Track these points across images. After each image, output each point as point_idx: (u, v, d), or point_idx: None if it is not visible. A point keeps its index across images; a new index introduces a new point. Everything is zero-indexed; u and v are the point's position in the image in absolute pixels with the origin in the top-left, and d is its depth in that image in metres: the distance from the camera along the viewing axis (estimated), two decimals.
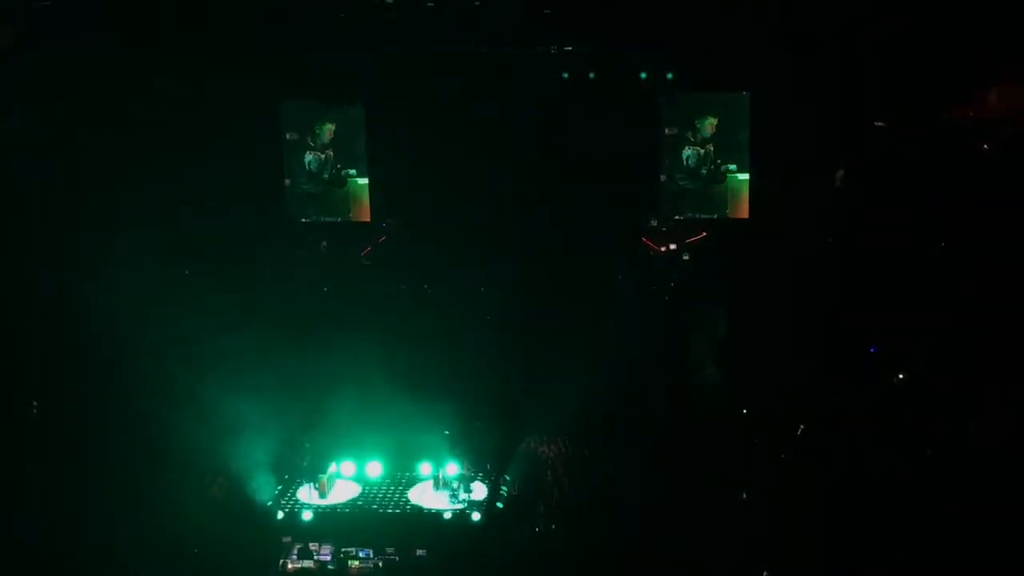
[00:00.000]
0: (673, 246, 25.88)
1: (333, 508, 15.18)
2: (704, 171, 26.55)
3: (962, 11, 19.49)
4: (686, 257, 25.37)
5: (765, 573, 13.43)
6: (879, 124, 22.78)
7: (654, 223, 26.85)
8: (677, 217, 26.98)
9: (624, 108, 25.75)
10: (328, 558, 14.50)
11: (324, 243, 26.84)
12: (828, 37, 22.02)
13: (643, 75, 24.35)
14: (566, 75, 24.53)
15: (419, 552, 14.29)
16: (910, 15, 20.41)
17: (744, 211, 26.62)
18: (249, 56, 23.83)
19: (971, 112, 20.35)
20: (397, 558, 14.37)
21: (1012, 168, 18.62)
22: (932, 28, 20.23)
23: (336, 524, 14.81)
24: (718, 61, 24.26)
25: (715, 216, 26.72)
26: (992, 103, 19.96)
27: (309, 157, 27.82)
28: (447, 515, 14.66)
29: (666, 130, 26.57)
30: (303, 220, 28.14)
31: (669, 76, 23.96)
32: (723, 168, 26.13)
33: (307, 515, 14.77)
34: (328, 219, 28.12)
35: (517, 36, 24.14)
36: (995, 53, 19.58)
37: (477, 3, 23.75)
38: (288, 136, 27.85)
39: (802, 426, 15.62)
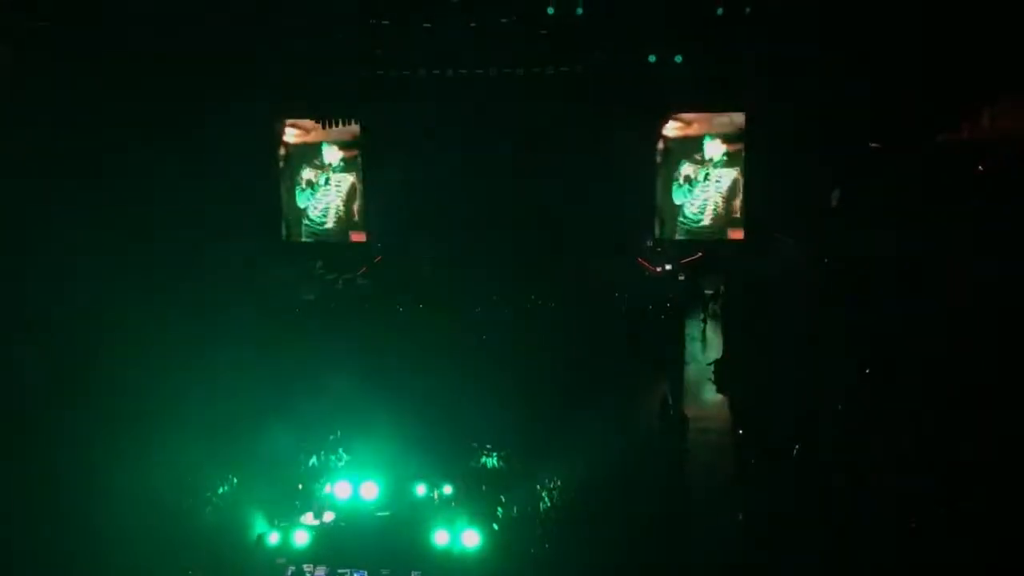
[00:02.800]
0: (669, 266, 26.00)
1: (327, 529, 15.08)
2: (699, 189, 26.75)
3: (958, 33, 19.64)
4: (682, 277, 25.48)
5: None
6: (874, 145, 22.90)
7: (650, 243, 26.98)
8: (676, 238, 27.20)
9: (620, 129, 25.93)
10: None
11: (319, 263, 26.89)
12: (824, 58, 22.17)
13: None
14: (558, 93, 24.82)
15: (414, 573, 14.20)
16: (906, 38, 20.58)
17: (739, 232, 26.77)
18: (248, 76, 23.99)
19: (967, 134, 20.45)
20: None
21: (1007, 189, 18.70)
22: (928, 50, 20.38)
23: (330, 545, 14.71)
24: (716, 82, 24.46)
25: (711, 237, 26.90)
26: (987, 125, 20.07)
27: (300, 174, 28.00)
28: (442, 536, 14.57)
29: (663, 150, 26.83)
30: (302, 239, 28.29)
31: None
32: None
33: (301, 536, 14.67)
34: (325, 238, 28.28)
35: (514, 57, 24.29)
36: (990, 75, 19.71)
37: (473, 24, 23.88)
38: (284, 154, 28.00)
39: (798, 445, 15.59)
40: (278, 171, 27.79)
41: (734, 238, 26.75)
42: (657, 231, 27.13)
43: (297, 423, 17.06)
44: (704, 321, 23.84)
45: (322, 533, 14.85)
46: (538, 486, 15.91)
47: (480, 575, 14.11)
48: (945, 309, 17.70)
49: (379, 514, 15.09)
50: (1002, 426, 14.35)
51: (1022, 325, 16.29)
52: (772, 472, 15.28)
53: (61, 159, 21.82)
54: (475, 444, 17.02)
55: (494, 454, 16.91)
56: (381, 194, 27.65)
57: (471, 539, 14.30)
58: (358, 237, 28.25)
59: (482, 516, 14.94)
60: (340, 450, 16.86)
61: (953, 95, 20.42)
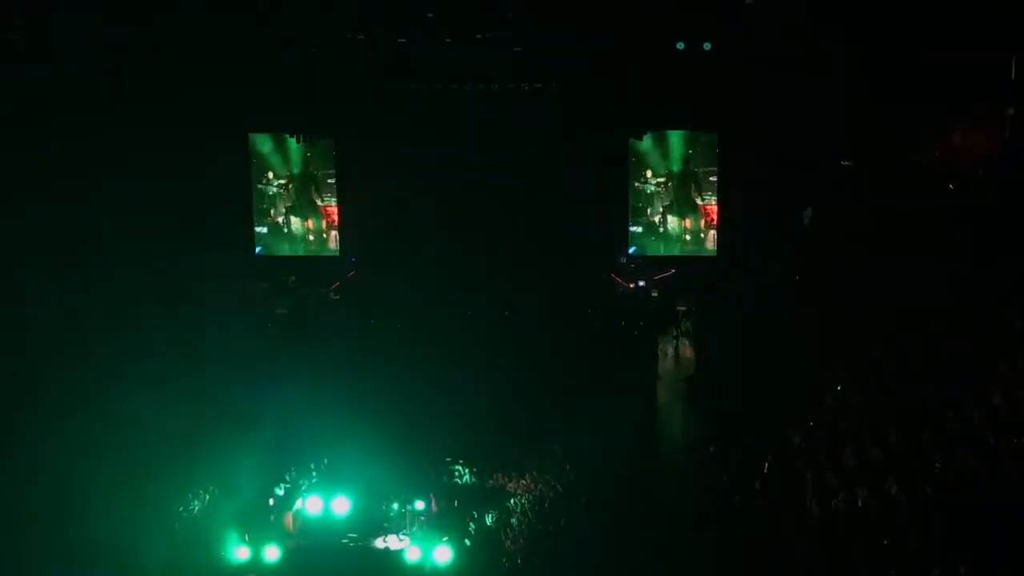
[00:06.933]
0: (642, 283, 26.07)
1: (298, 545, 14.96)
2: (672, 207, 26.87)
3: (930, 53, 19.87)
4: (655, 293, 25.54)
5: None
6: (846, 163, 23.09)
7: (623, 260, 27.03)
8: (649, 254, 27.27)
9: (594, 146, 26.03)
10: None
11: (292, 277, 26.74)
12: (796, 77, 22.36)
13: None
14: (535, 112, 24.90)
15: None
16: (878, 57, 20.79)
17: (712, 249, 26.90)
18: (223, 90, 23.92)
19: (937, 152, 20.67)
20: None
21: (979, 207, 18.91)
22: (900, 69, 20.60)
23: (301, 562, 14.59)
24: (687, 100, 24.62)
25: (683, 253, 26.99)
26: (958, 143, 20.29)
27: (274, 189, 27.82)
28: (414, 552, 14.50)
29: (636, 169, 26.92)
30: (274, 253, 28.08)
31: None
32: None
33: (272, 553, 14.54)
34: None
35: (490, 73, 24.38)
36: (961, 94, 19.95)
37: (448, 40, 23.94)
38: (255, 164, 27.77)
39: (768, 462, 15.63)
40: (251, 185, 27.63)
41: (706, 255, 26.87)
42: (630, 248, 27.21)
43: (269, 438, 16.96)
44: (676, 337, 23.89)
45: (293, 549, 14.73)
46: (510, 502, 15.89)
47: None
48: (916, 325, 17.87)
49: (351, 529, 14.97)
50: (976, 441, 14.47)
51: (993, 341, 16.46)
52: (744, 488, 15.30)
53: (33, 170, 21.73)
54: (448, 459, 17.00)
55: (467, 470, 16.87)
56: (354, 209, 27.57)
57: (443, 555, 14.24)
58: (331, 252, 28.12)
59: (454, 532, 14.90)
60: (312, 465, 16.76)
61: (924, 114, 20.65)
